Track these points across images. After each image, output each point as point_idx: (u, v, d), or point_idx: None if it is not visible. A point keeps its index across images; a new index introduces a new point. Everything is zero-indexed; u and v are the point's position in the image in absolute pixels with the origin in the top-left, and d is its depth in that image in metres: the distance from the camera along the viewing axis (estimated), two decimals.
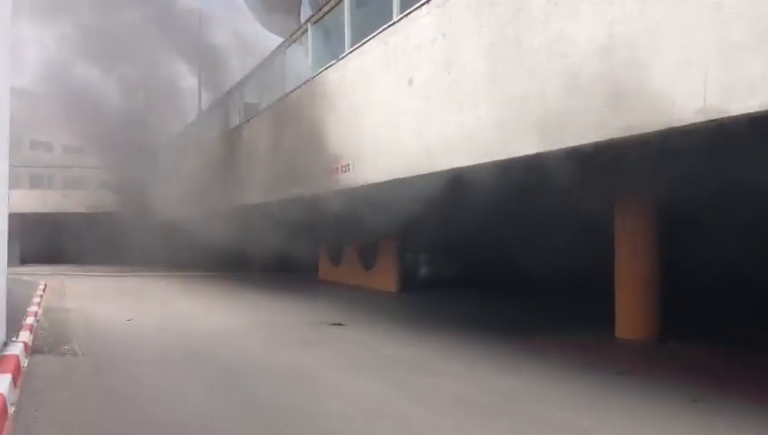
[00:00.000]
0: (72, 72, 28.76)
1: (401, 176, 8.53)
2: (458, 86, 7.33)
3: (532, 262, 14.04)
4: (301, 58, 13.16)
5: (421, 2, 8.17)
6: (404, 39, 8.46)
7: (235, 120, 18.54)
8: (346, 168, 10.05)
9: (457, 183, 8.01)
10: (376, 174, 9.30)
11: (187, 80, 27.12)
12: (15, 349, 7.80)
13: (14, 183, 36.42)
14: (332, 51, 11.73)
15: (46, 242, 32.64)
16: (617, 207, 10.06)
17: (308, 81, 12.15)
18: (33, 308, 12.67)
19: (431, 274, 17.91)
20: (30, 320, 10.73)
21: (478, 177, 7.60)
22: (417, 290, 16.76)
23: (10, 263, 8.61)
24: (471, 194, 8.92)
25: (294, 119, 12.69)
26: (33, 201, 34.90)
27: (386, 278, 17.35)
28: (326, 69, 11.27)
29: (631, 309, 9.99)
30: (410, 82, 8.25)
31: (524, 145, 6.32)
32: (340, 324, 11.38)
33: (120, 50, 26.78)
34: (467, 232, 14.59)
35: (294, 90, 12.77)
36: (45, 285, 19.26)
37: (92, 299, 15.89)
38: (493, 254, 15.84)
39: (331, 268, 21.17)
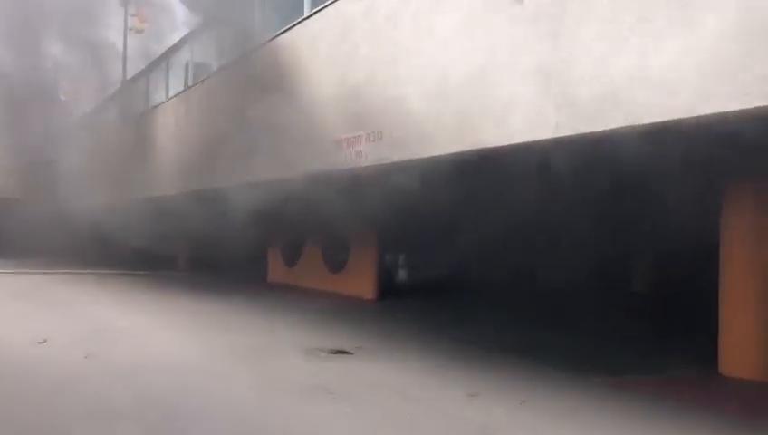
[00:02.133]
0: None
1: (491, 144, 5.62)
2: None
3: (564, 264, 11.41)
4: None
5: None
6: None
7: (177, 85, 15.09)
8: (374, 136, 7.07)
9: (582, 155, 5.22)
10: (433, 144, 6.35)
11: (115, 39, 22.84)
12: None
13: None
14: None
15: None
16: (729, 193, 7.47)
17: (300, 22, 9.06)
18: None
19: (412, 277, 15.12)
20: None
21: (630, 145, 4.82)
22: (399, 297, 13.92)
23: None
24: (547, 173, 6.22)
25: (274, 77, 9.56)
26: None
27: (360, 283, 14.36)
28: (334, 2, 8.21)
29: (747, 337, 7.53)
30: None
31: None
32: (344, 352, 8.37)
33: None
34: (473, 224, 11.85)
35: (276, 36, 9.60)
36: None
37: None
38: (498, 253, 13.13)
39: (284, 270, 17.93)
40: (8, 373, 6.87)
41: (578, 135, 4.85)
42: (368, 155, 7.24)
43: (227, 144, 11.73)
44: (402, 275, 15.04)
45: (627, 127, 4.50)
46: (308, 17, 8.83)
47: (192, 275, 20.39)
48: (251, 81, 10.20)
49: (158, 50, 18.73)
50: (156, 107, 15.50)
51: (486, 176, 6.80)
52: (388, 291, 14.10)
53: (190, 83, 13.90)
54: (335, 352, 8.36)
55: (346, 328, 10.42)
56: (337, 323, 11.00)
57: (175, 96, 14.50)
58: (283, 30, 9.43)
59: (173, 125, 14.51)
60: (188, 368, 7.34)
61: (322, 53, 8.32)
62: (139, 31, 22.42)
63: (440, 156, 6.25)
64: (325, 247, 15.86)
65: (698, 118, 4.12)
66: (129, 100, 19.36)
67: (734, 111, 3.90)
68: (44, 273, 20.65)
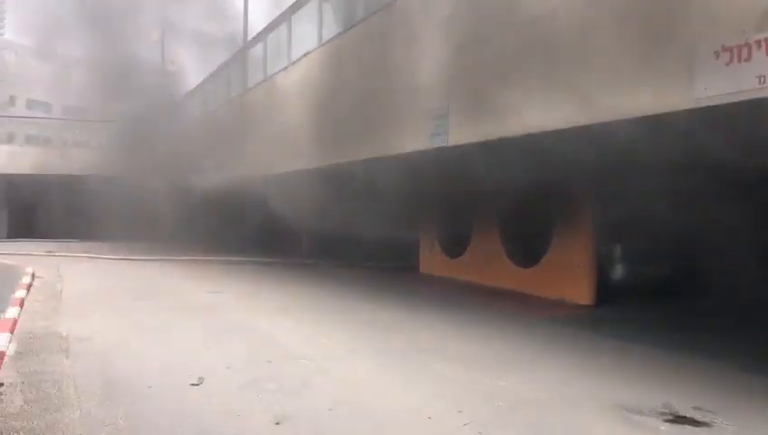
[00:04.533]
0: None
1: None
2: None
3: None
4: None
5: None
6: None
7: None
8: None
9: None
10: None
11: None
12: None
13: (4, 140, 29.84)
14: None
15: (41, 210, 26.12)
16: None
17: None
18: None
19: (635, 276, 11.41)
20: None
21: None
22: (619, 302, 10.36)
23: None
24: None
25: None
26: (24, 160, 27.81)
27: (568, 282, 10.83)
28: None
29: None
30: None
31: None
32: (689, 420, 4.97)
33: None
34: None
35: None
36: (33, 276, 12.95)
37: (107, 309, 9.50)
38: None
39: (442, 259, 14.63)
40: None
41: None
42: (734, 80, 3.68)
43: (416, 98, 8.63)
44: (620, 272, 11.44)
45: None
46: None
47: (323, 263, 17.52)
48: None
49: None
50: (294, 63, 12.49)
51: None
52: (609, 294, 10.55)
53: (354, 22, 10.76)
54: (672, 420, 4.98)
55: (618, 362, 6.98)
56: (588, 347, 7.61)
57: (327, 42, 11.40)
58: None
59: (323, 81, 11.49)
60: None
61: None
62: None
63: None
64: (509, 234, 12.45)
65: None
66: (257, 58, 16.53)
67: None
68: (160, 259, 18.34)
